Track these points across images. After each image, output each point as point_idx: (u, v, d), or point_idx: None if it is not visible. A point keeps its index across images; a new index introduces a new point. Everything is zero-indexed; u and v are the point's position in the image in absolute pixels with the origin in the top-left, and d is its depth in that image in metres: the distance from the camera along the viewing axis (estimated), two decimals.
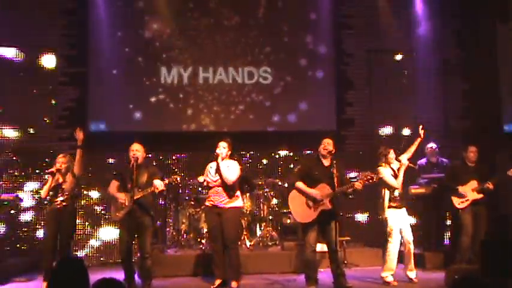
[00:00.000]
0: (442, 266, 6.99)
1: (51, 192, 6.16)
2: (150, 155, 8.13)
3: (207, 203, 6.33)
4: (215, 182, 6.22)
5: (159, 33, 8.99)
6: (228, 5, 9.13)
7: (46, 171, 6.31)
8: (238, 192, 6.31)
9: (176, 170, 8.67)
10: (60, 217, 6.09)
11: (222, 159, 6.20)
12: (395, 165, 6.48)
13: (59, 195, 6.11)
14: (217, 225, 6.17)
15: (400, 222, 6.36)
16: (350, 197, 6.03)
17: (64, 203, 6.10)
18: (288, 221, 7.85)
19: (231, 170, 6.20)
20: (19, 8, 8.40)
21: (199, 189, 8.05)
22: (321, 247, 6.34)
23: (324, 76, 9.17)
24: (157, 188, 5.81)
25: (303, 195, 5.91)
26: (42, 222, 7.92)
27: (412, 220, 6.99)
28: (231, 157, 6.35)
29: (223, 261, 6.21)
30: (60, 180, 6.16)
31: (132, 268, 6.00)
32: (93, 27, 8.81)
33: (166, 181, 5.89)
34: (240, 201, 6.37)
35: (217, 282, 6.21)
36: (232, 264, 6.16)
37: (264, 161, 8.99)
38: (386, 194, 6.36)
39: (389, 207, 6.37)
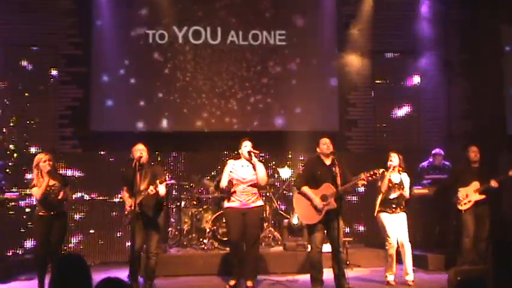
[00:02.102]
0: (444, 268, 6.97)
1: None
2: (158, 156, 8.23)
3: (231, 204, 6.14)
4: (244, 180, 6.12)
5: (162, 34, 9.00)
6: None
7: (46, 171, 5.87)
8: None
9: (179, 172, 8.65)
10: (54, 219, 5.94)
11: (251, 158, 6.12)
12: (395, 174, 6.37)
13: (56, 193, 5.94)
14: (241, 225, 6.09)
15: (394, 226, 6.33)
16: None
17: (65, 202, 6.05)
18: (295, 221, 7.82)
19: (261, 170, 6.16)
20: (23, 8, 8.44)
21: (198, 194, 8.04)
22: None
23: (328, 77, 9.14)
24: (154, 190, 5.73)
25: (308, 199, 5.91)
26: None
27: (413, 222, 6.91)
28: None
29: (242, 261, 6.15)
30: (51, 182, 5.92)
31: (137, 268, 5.96)
32: (96, 27, 8.81)
33: (158, 182, 5.73)
34: (261, 200, 6.35)
35: (232, 282, 6.13)
36: (251, 263, 6.10)
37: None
38: (380, 196, 6.34)
39: (382, 211, 6.36)
